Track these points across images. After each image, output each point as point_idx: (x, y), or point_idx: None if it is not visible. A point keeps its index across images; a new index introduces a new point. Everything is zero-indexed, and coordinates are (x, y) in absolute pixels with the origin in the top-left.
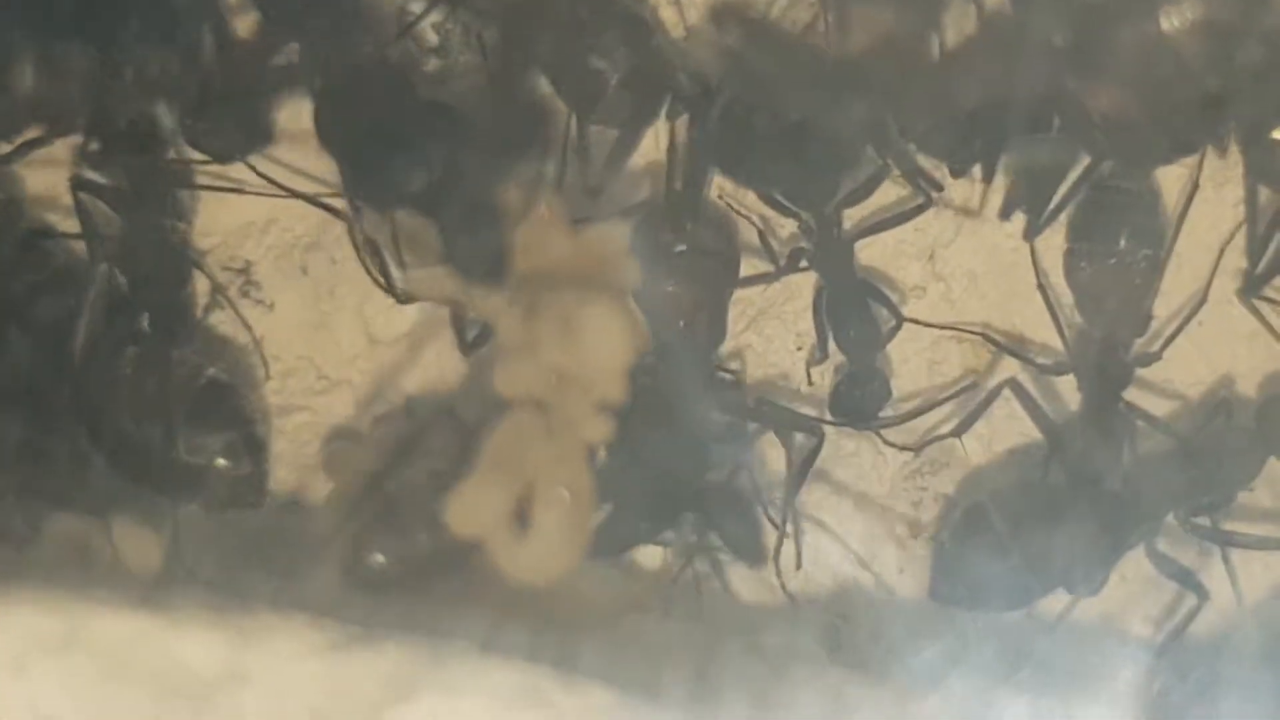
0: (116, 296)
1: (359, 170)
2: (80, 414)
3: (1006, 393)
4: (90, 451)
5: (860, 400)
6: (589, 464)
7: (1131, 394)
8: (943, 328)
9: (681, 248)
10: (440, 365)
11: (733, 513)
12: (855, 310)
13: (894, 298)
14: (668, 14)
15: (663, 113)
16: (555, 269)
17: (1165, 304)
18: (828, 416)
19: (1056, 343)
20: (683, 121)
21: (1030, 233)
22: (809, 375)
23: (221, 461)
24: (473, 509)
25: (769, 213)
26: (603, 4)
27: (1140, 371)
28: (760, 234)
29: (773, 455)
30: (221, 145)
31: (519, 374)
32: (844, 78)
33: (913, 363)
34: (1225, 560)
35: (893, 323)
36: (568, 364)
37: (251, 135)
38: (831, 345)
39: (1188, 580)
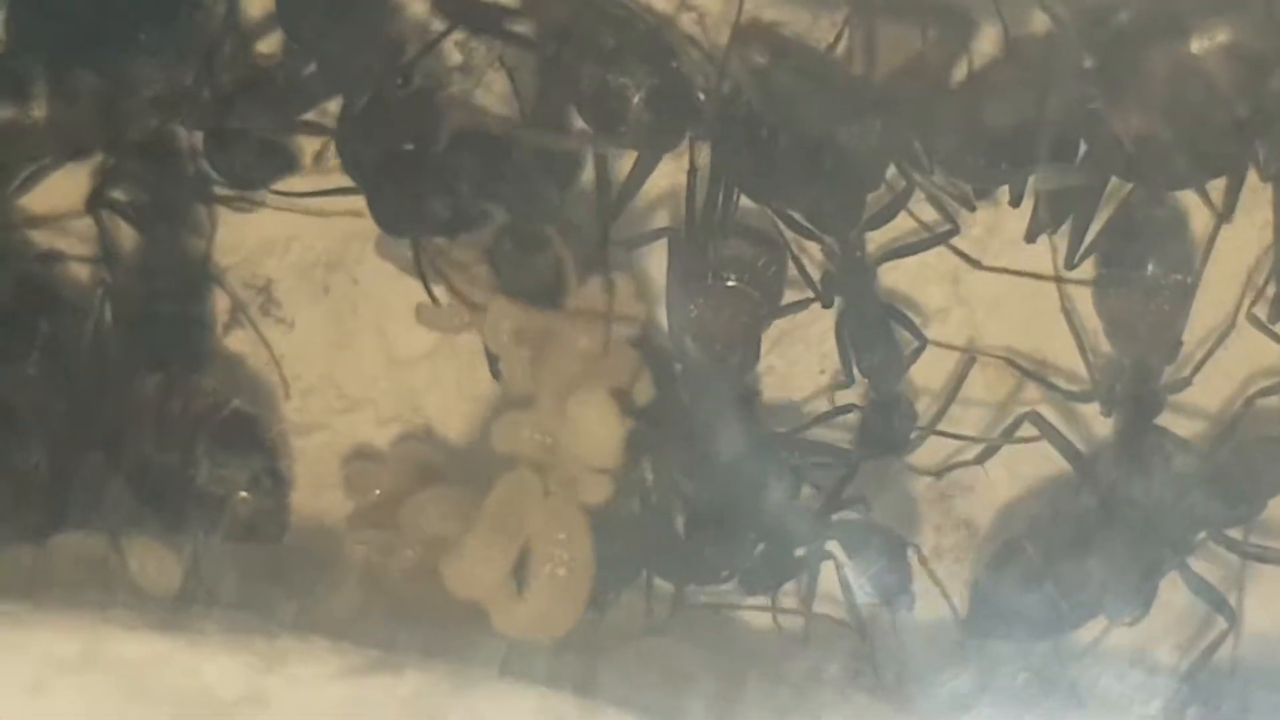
0: (133, 316)
1: (380, 198)
2: (98, 437)
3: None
4: (108, 474)
5: (887, 430)
6: (587, 524)
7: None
8: (966, 351)
9: (722, 278)
10: (460, 388)
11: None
12: (878, 334)
13: (917, 321)
14: (692, 32)
15: (686, 134)
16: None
17: (1190, 329)
18: (855, 442)
19: (1080, 368)
20: (703, 144)
21: (1069, 261)
22: (833, 401)
23: (244, 494)
24: (470, 571)
25: (791, 235)
26: (625, 24)
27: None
28: (796, 260)
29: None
30: (245, 174)
31: (516, 433)
32: (868, 98)
33: (935, 387)
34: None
35: (916, 345)
36: (562, 434)
37: (276, 164)
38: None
39: (1219, 603)
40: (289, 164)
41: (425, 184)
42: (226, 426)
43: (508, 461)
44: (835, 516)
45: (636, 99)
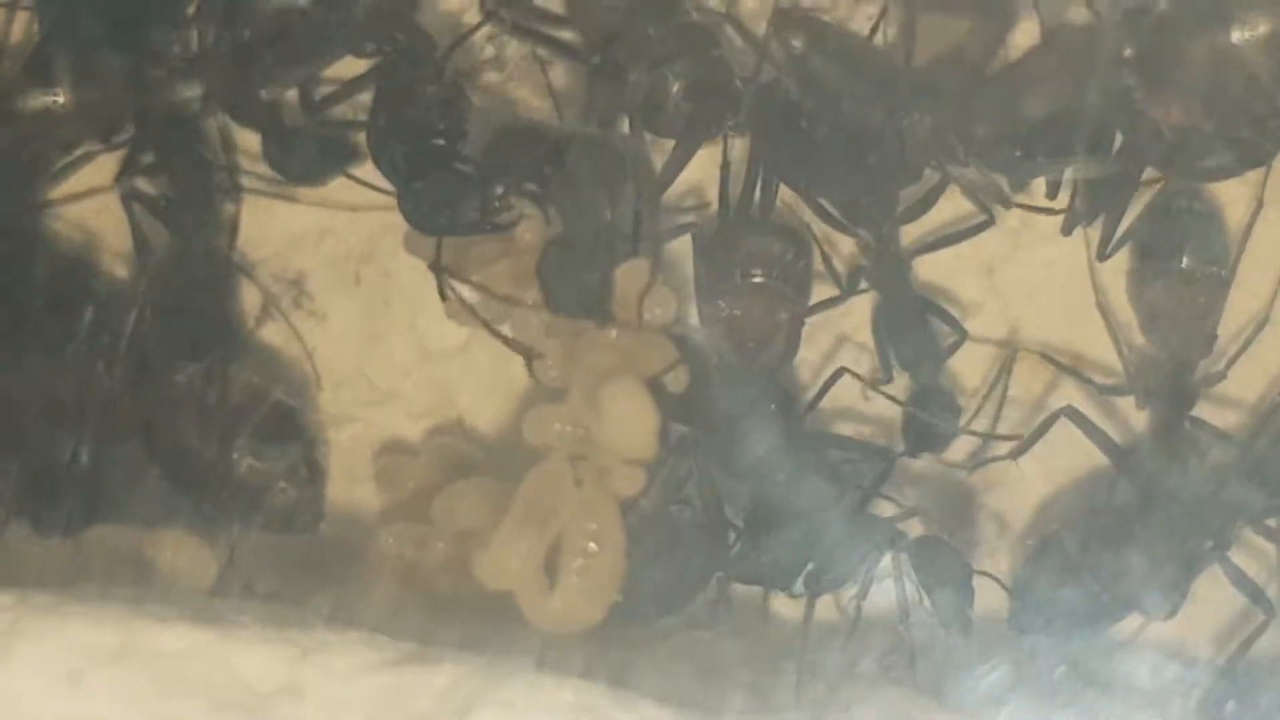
0: (168, 307)
1: (410, 194)
2: (136, 428)
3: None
4: (145, 466)
5: (929, 425)
6: (619, 516)
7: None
8: (1003, 345)
9: (750, 275)
10: (492, 382)
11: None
12: (915, 326)
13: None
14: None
15: (726, 122)
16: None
17: (1225, 322)
18: (893, 437)
19: (1115, 362)
20: (736, 138)
21: (1102, 253)
22: (865, 394)
23: (283, 485)
24: (501, 562)
25: (826, 229)
26: (666, 13)
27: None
28: (824, 254)
29: None
30: (306, 169)
31: (548, 426)
32: (906, 87)
33: (970, 380)
34: None
35: (955, 339)
36: (595, 425)
37: (338, 157)
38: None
39: (1256, 595)
40: (352, 155)
41: (456, 182)
42: (267, 418)
43: (540, 454)
44: (901, 526)
45: (677, 88)
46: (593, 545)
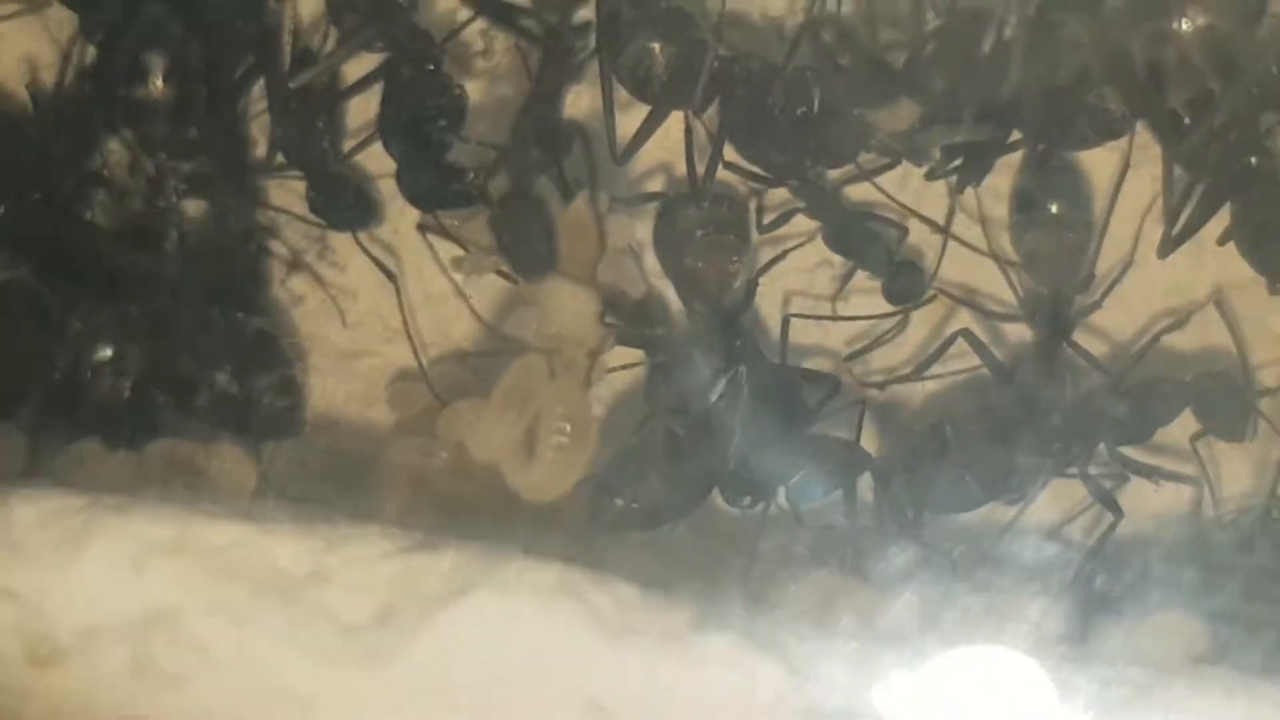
0: (205, 259)
1: (406, 170)
2: (177, 364)
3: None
4: (193, 393)
5: (908, 283)
6: (587, 402)
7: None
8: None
9: (701, 230)
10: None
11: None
12: (861, 235)
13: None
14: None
15: (696, 93)
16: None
17: (1105, 263)
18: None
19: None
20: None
21: (958, 189)
22: (834, 310)
23: (269, 399)
24: (488, 437)
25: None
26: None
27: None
28: (756, 206)
29: None
30: (343, 218)
31: (525, 324)
32: (836, 79)
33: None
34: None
35: (895, 233)
36: (559, 323)
37: (367, 211)
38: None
39: (1108, 501)
40: (376, 213)
41: (441, 168)
42: (251, 346)
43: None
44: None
45: (659, 64)
46: (566, 425)
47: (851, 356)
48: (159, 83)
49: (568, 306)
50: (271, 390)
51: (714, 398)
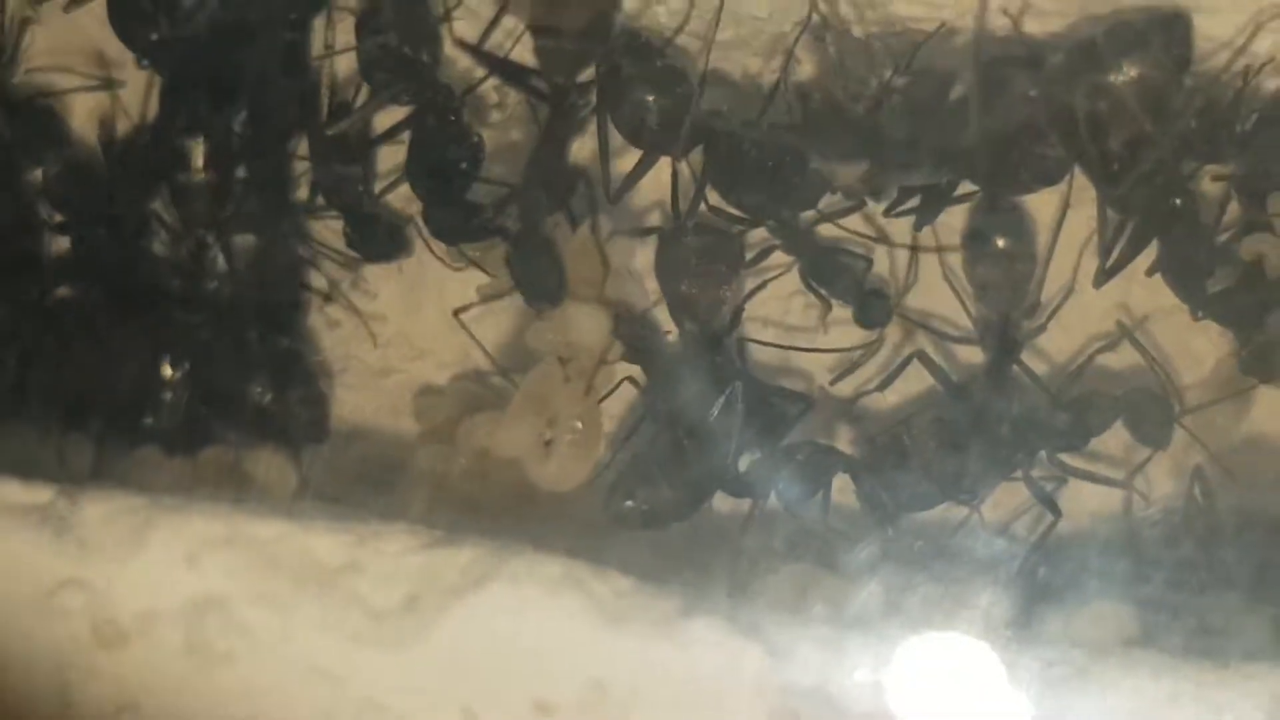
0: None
1: (431, 208)
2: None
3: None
4: (236, 406)
5: (877, 310)
6: (598, 404)
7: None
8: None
9: (696, 259)
10: (499, 335)
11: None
12: (831, 265)
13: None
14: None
15: (681, 140)
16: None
17: (1048, 291)
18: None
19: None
20: (686, 159)
21: (915, 228)
22: (825, 327)
23: (297, 410)
24: (509, 436)
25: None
26: (644, 55)
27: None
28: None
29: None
30: (377, 251)
31: (543, 336)
32: (807, 130)
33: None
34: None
35: (863, 265)
36: (573, 336)
37: (396, 245)
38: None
39: (1048, 502)
40: (405, 247)
41: (464, 208)
42: (281, 360)
43: (537, 360)
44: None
45: (652, 115)
46: (579, 424)
47: (835, 380)
48: (199, 166)
49: (581, 322)
50: (300, 402)
51: (714, 413)
